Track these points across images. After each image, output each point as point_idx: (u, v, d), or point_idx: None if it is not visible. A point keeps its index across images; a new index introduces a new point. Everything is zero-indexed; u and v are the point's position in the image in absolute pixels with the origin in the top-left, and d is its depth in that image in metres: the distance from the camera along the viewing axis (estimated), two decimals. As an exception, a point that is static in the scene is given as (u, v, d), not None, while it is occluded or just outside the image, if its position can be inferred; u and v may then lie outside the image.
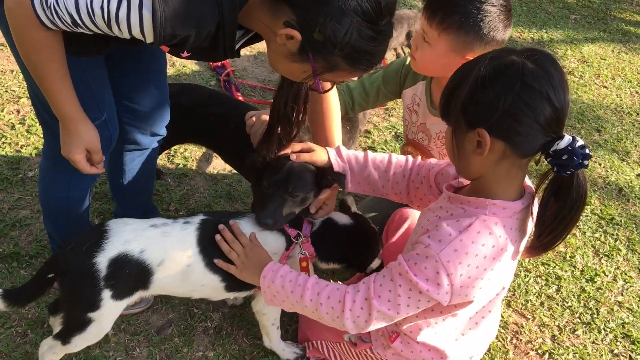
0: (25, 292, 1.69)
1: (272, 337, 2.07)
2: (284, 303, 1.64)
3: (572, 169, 1.32)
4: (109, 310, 1.69)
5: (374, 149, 3.32)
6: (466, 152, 1.42)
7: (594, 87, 4.38)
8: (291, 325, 2.24)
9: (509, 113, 1.31)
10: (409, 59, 2.15)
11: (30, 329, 2.02)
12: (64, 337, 1.72)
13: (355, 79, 2.40)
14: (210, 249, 1.75)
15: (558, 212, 1.39)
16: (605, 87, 4.42)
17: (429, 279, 1.42)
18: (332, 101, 1.94)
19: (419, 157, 1.97)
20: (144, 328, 2.12)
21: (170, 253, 1.70)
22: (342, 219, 1.96)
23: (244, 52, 1.92)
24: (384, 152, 3.29)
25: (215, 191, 2.78)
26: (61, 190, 1.91)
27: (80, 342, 1.74)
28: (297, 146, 1.85)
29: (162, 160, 2.90)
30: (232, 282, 1.80)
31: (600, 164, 3.54)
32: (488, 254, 1.42)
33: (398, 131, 3.45)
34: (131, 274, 1.66)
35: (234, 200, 2.75)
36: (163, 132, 2.08)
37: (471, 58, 1.55)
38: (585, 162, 1.31)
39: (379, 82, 2.30)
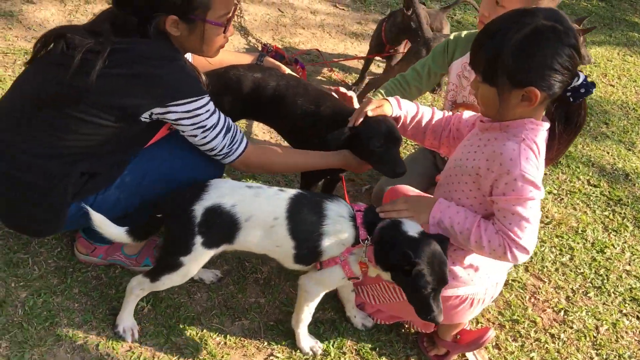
0: (143, 229, 1.93)
1: (300, 319, 2.10)
2: (451, 237, 1.87)
3: (584, 97, 1.71)
4: (198, 256, 1.89)
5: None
6: (510, 105, 1.73)
7: (601, 85, 4.63)
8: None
9: (554, 70, 1.65)
10: (452, 35, 2.60)
11: (103, 273, 2.26)
12: (154, 275, 1.94)
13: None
14: (297, 218, 1.89)
15: (562, 133, 1.80)
16: (612, 85, 4.69)
17: (529, 189, 1.72)
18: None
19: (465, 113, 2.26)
20: (203, 276, 2.36)
21: (259, 211, 1.88)
22: (413, 226, 1.87)
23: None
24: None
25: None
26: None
27: (167, 282, 1.96)
28: (373, 103, 2.14)
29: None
30: (300, 255, 1.93)
31: (608, 152, 3.80)
32: (540, 160, 1.74)
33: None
34: (222, 224, 1.86)
35: (277, 174, 3.00)
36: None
37: None
38: (591, 89, 1.69)
39: (428, 62, 2.68)
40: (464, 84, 2.57)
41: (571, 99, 1.72)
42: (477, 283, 2.00)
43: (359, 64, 4.04)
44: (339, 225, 1.90)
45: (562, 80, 1.68)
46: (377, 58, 3.99)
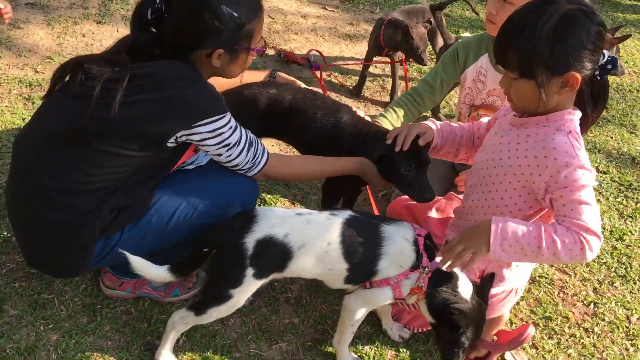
0: (186, 264, 1.88)
1: (343, 339, 2.08)
2: (516, 253, 1.73)
3: (610, 72, 1.72)
4: (248, 287, 1.84)
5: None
6: (550, 94, 1.72)
7: (594, 69, 4.67)
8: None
9: (588, 50, 1.66)
10: (460, 40, 2.56)
11: (132, 307, 2.20)
12: (200, 308, 1.88)
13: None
14: (352, 241, 1.86)
15: (593, 112, 1.83)
16: (605, 68, 4.71)
17: (588, 175, 1.71)
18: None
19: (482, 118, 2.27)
20: (234, 301, 2.31)
21: (312, 238, 1.83)
22: (466, 284, 1.90)
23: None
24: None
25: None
26: None
27: (215, 314, 1.89)
28: (417, 128, 2.12)
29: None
30: (352, 275, 1.90)
31: (611, 137, 3.82)
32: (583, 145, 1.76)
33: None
34: (274, 255, 1.82)
35: (290, 187, 2.96)
36: None
37: None
38: (616, 63, 1.70)
39: (440, 73, 2.63)
40: (479, 88, 2.56)
41: (599, 77, 1.73)
42: (520, 276, 2.07)
43: (357, 67, 4.00)
44: (401, 248, 1.88)
45: (594, 60, 1.69)
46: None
